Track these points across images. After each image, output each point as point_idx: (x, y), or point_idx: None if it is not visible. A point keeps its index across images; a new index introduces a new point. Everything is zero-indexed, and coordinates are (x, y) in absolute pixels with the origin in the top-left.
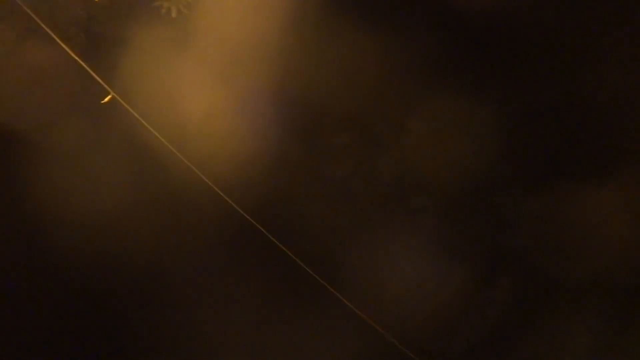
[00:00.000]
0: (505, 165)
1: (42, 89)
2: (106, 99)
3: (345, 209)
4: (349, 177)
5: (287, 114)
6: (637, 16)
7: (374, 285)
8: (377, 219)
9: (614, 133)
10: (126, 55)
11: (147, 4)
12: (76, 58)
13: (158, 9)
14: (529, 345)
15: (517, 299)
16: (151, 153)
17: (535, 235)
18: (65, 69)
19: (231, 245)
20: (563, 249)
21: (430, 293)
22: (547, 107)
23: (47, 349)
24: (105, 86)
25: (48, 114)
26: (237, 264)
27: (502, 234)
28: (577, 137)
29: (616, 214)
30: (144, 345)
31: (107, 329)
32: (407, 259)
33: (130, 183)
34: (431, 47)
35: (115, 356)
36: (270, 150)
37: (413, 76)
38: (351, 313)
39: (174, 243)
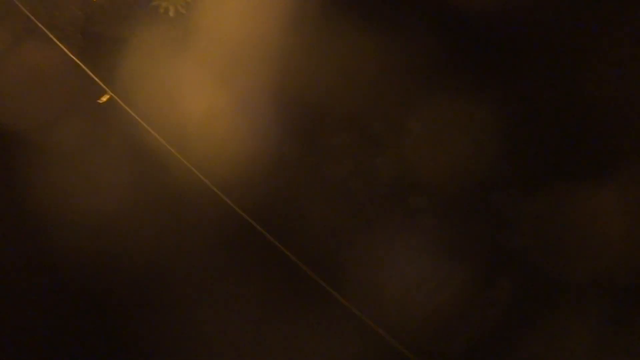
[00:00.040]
0: (505, 165)
1: (40, 90)
2: (103, 99)
3: (345, 209)
4: (350, 177)
5: (287, 114)
6: (637, 16)
7: (373, 285)
8: (377, 219)
9: (613, 133)
10: (124, 55)
11: (145, 4)
12: (73, 57)
13: (156, 8)
14: (529, 345)
15: (517, 299)
16: (150, 153)
17: (535, 235)
18: (63, 69)
19: (231, 245)
20: (563, 249)
21: (430, 293)
22: (547, 107)
23: (47, 349)
24: (103, 85)
25: (46, 114)
26: (237, 263)
27: (502, 234)
28: (577, 137)
29: (616, 214)
30: (144, 345)
31: (107, 329)
32: (408, 259)
33: (129, 183)
34: (431, 47)
35: (115, 356)
36: (270, 150)
37: (413, 76)
38: (350, 313)
39: (174, 243)
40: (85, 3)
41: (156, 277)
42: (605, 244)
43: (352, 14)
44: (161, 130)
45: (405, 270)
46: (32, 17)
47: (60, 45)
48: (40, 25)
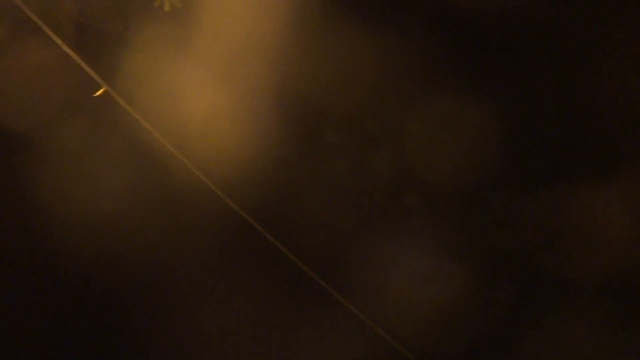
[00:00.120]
0: (504, 165)
1: (35, 86)
2: (99, 92)
3: (345, 208)
4: (350, 177)
5: (287, 113)
6: (637, 16)
7: (373, 284)
8: (377, 218)
9: (614, 133)
10: (120, 51)
11: None
12: (68, 51)
13: (151, 2)
14: (530, 344)
15: (517, 298)
16: (149, 151)
17: (535, 235)
18: (58, 64)
19: (231, 245)
20: (563, 249)
21: (430, 293)
22: (547, 107)
23: (47, 349)
24: (98, 78)
25: (42, 111)
26: (237, 263)
27: (502, 234)
28: (577, 137)
29: (617, 214)
30: (145, 346)
31: (108, 330)
32: (407, 259)
33: (129, 182)
34: (430, 47)
35: (116, 356)
36: (270, 150)
37: (412, 76)
38: (350, 312)
39: (174, 243)
40: None
41: (157, 276)
42: (606, 244)
43: (352, 13)
44: (160, 129)
45: (405, 270)
46: (26, 10)
47: (55, 38)
48: (35, 18)
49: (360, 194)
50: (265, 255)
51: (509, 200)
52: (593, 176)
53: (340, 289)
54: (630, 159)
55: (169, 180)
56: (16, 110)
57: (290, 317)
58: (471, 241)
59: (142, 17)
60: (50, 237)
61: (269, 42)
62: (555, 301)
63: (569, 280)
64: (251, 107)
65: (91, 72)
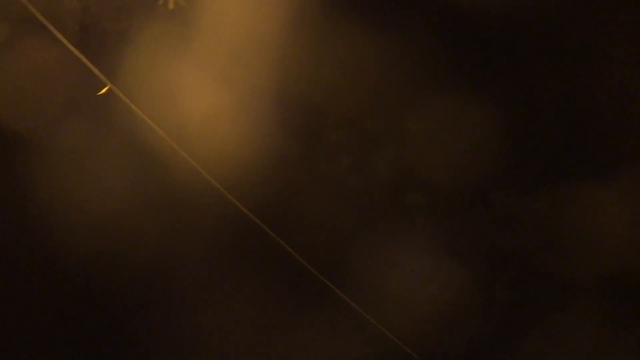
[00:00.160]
0: (505, 164)
1: (38, 84)
2: (103, 90)
3: (345, 207)
4: (350, 176)
5: (288, 112)
6: (638, 15)
7: (374, 283)
8: (379, 218)
9: (615, 133)
10: (123, 49)
11: None
12: (72, 48)
13: (155, 0)
14: (530, 344)
15: (517, 298)
16: (151, 150)
17: (536, 234)
18: (61, 62)
19: (233, 243)
20: (564, 249)
21: (431, 292)
22: (548, 107)
23: (47, 348)
24: (103, 78)
25: (45, 109)
26: (239, 262)
27: (503, 233)
28: (578, 137)
29: (617, 214)
30: (145, 344)
31: (108, 329)
32: (408, 258)
33: (130, 181)
34: (431, 46)
35: (116, 356)
36: (271, 148)
37: (413, 75)
38: (353, 313)
39: (175, 243)
40: None
41: (158, 276)
42: (606, 244)
43: (352, 13)
44: (162, 127)
45: (406, 269)
46: (30, 8)
47: (59, 35)
48: (39, 16)
49: (361, 194)
50: (266, 254)
51: (510, 200)
52: (593, 176)
53: (341, 288)
54: (630, 159)
55: (169, 180)
56: (18, 109)
57: (292, 316)
58: (472, 241)
59: (146, 15)
60: (50, 237)
61: (271, 41)
62: (556, 301)
63: (569, 280)
64: (253, 106)
65: (95, 70)
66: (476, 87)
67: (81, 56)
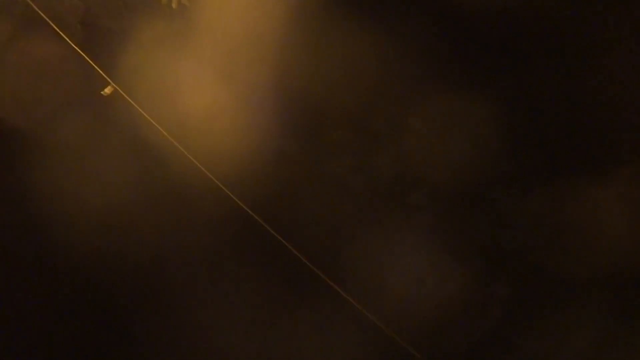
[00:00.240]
0: (505, 163)
1: (40, 82)
2: (107, 91)
3: (345, 205)
4: (350, 174)
5: (289, 110)
6: (638, 15)
7: (374, 281)
8: (379, 216)
9: (615, 131)
10: (126, 48)
11: None
12: (75, 48)
13: (159, 0)
14: (530, 342)
15: (517, 296)
16: (152, 148)
17: (536, 233)
18: (63, 61)
19: (233, 240)
20: (564, 247)
21: (431, 290)
22: (548, 105)
23: (48, 348)
24: (106, 77)
25: (47, 107)
26: (240, 259)
27: (502, 231)
28: (578, 136)
29: (617, 213)
30: (146, 343)
31: (108, 327)
32: (408, 256)
33: (131, 178)
34: (432, 44)
35: (117, 355)
36: (272, 146)
37: (414, 74)
38: (354, 310)
39: (176, 239)
40: None
41: (158, 273)
42: (606, 242)
43: (353, 10)
44: (163, 125)
45: (406, 267)
46: (34, 6)
47: (62, 34)
48: (42, 14)
49: (361, 192)
50: (266, 251)
51: (510, 199)
52: (593, 176)
53: (341, 284)
54: (630, 159)
55: (171, 178)
56: (21, 107)
57: (292, 314)
58: (472, 239)
59: (148, 14)
60: (51, 235)
61: (273, 41)
62: (555, 299)
63: (568, 278)
64: (254, 105)
65: (97, 69)
66: (477, 87)
67: (85, 56)
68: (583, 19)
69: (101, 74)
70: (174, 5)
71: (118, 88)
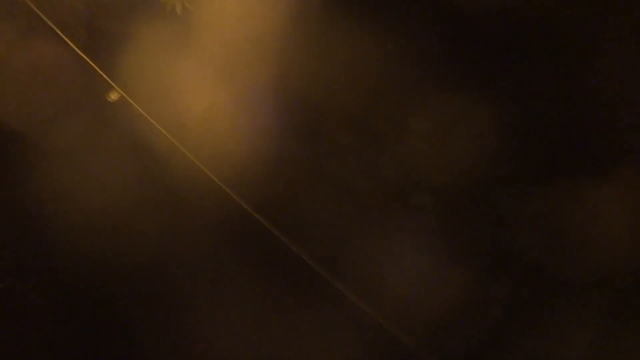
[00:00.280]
0: (507, 163)
1: (43, 86)
2: (113, 97)
3: (347, 206)
4: (352, 175)
5: (290, 111)
6: (638, 15)
7: (375, 281)
8: (380, 216)
9: (616, 132)
10: (129, 52)
11: (152, 1)
12: (80, 53)
13: (163, 6)
14: (530, 343)
15: (518, 297)
16: (154, 149)
17: (536, 233)
18: (67, 65)
19: (234, 241)
20: (565, 248)
21: (432, 290)
22: (550, 106)
23: (48, 348)
24: (112, 83)
25: (49, 111)
26: (240, 259)
27: (503, 232)
28: (579, 136)
29: (618, 213)
30: (146, 343)
31: (109, 328)
32: (409, 257)
33: (132, 180)
34: (434, 45)
35: (117, 355)
36: (273, 147)
37: (416, 75)
38: (356, 309)
39: (177, 239)
40: None
41: (159, 273)
42: (606, 243)
43: (355, 12)
44: (165, 127)
45: (407, 267)
46: (37, 10)
47: (66, 40)
48: (45, 18)
49: (362, 192)
50: (267, 251)
51: (510, 200)
52: (593, 176)
53: (342, 284)
54: (630, 159)
55: (171, 178)
56: (23, 109)
57: (293, 313)
58: (473, 239)
59: (152, 19)
60: (51, 236)
61: (274, 43)
62: (555, 300)
63: (568, 278)
64: (255, 106)
65: (106, 77)
66: (479, 86)
67: (90, 62)
68: (583, 19)
69: (104, 78)
70: (178, 10)
71: (122, 93)
